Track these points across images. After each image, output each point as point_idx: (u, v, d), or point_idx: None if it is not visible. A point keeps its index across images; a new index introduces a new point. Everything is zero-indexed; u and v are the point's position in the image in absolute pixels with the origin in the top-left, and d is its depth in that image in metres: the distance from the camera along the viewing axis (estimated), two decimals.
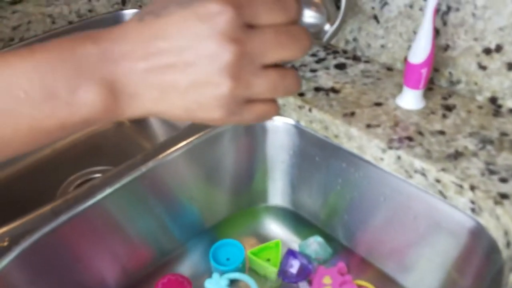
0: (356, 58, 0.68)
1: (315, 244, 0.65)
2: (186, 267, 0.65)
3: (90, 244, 0.57)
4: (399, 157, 0.53)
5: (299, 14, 0.29)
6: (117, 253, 0.60)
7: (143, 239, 0.63)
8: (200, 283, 0.61)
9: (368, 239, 0.63)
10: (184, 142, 0.61)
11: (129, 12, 0.88)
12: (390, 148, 0.54)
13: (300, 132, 0.63)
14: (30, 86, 0.27)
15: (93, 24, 0.85)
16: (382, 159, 0.55)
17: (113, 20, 0.88)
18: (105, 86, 0.27)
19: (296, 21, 0.29)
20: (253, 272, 0.65)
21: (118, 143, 0.89)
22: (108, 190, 0.55)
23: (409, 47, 0.63)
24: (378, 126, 0.56)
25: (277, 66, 0.29)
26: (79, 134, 0.89)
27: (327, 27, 0.57)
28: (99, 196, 0.54)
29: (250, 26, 0.27)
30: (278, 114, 0.32)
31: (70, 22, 0.82)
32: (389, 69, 0.66)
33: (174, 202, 0.64)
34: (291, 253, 0.64)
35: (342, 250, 0.66)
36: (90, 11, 0.84)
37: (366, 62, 0.67)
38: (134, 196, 0.59)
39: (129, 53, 0.27)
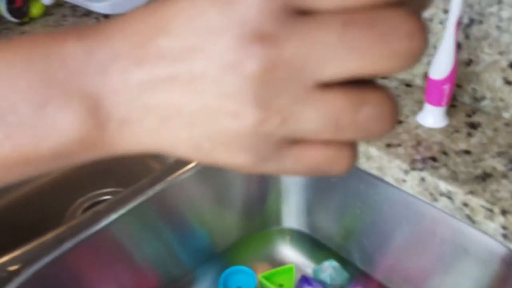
0: None
1: (330, 269, 0.62)
2: None
3: (96, 271, 0.54)
4: (423, 179, 0.50)
5: None
6: (124, 280, 0.58)
7: (150, 266, 0.60)
8: None
9: (388, 264, 0.60)
10: (194, 163, 0.59)
11: None
12: (413, 169, 0.50)
13: None
14: None
15: None
16: (404, 180, 0.52)
17: None
18: (85, 104, 0.18)
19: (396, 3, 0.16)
20: None
21: (128, 163, 0.86)
22: (113, 216, 0.52)
23: (428, 62, 0.60)
24: (399, 145, 0.53)
25: (348, 84, 0.16)
26: None
27: None
28: (104, 222, 0.52)
29: (300, 13, 0.16)
30: (354, 165, 0.18)
31: None
32: (408, 85, 0.63)
33: (183, 225, 0.62)
34: (305, 280, 0.61)
35: (359, 274, 0.63)
36: None
37: (383, 77, 0.64)
38: (141, 221, 0.56)
39: (123, 52, 0.18)
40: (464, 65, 0.56)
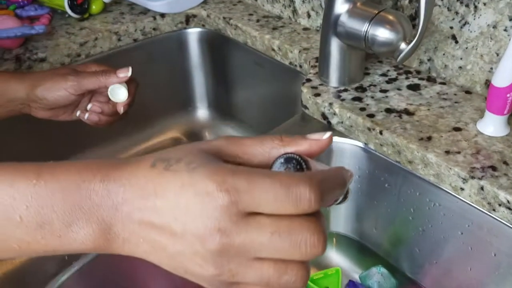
0: (430, 80, 0.64)
1: (378, 275, 0.61)
2: None
3: (148, 265, 0.55)
4: (482, 188, 0.49)
5: (317, 205, 0.25)
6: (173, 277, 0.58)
7: None
8: None
9: (438, 273, 0.58)
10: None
11: (192, 31, 0.89)
12: (472, 177, 0.49)
13: (369, 155, 0.59)
14: (27, 212, 0.27)
15: (157, 42, 0.86)
16: (462, 189, 0.50)
17: (177, 39, 0.88)
18: (100, 227, 0.27)
19: (313, 213, 0.25)
20: None
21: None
22: None
23: (490, 70, 0.58)
24: (458, 153, 0.52)
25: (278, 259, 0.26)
26: (137, 150, 0.89)
27: (402, 46, 0.54)
28: None
29: (249, 214, 0.25)
30: None
31: (135, 40, 0.83)
32: (468, 92, 0.61)
33: None
34: (352, 285, 0.60)
35: (407, 282, 0.62)
36: (154, 29, 0.84)
37: (442, 83, 0.63)
38: None
39: (130, 200, 0.27)
40: None
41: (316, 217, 0.25)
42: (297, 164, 0.27)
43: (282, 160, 0.27)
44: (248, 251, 0.25)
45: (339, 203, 0.29)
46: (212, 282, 0.26)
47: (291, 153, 0.28)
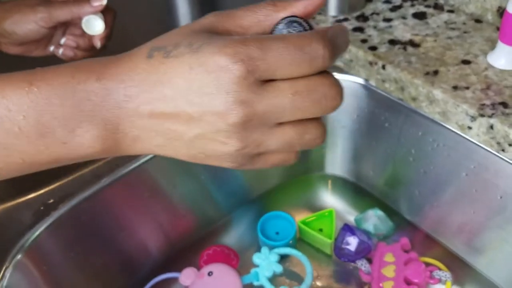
0: (438, 7, 0.58)
1: (374, 218, 0.58)
2: (231, 239, 0.61)
3: (132, 210, 0.53)
4: (491, 126, 0.45)
5: (331, 61, 0.24)
6: (160, 220, 0.56)
7: (187, 207, 0.59)
8: (246, 256, 0.56)
9: (438, 215, 0.56)
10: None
11: None
12: (482, 115, 0.45)
13: (369, 93, 0.55)
14: (25, 122, 0.25)
15: None
16: (470, 127, 0.46)
17: None
18: (106, 128, 0.26)
19: (326, 70, 0.25)
20: (304, 244, 0.60)
21: None
22: (150, 154, 0.49)
23: None
24: (466, 88, 0.47)
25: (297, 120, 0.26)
26: None
27: None
28: (143, 160, 0.49)
29: (265, 82, 0.24)
30: (297, 159, 0.28)
31: None
32: (478, 21, 0.56)
33: (221, 167, 0.59)
34: (347, 228, 0.57)
35: (405, 225, 0.60)
36: None
37: (450, 11, 0.57)
38: (177, 162, 0.53)
39: (134, 96, 0.25)
40: None
41: (328, 73, 0.25)
42: (300, 25, 0.26)
43: (283, 24, 0.26)
44: (270, 117, 0.25)
45: None
46: (236, 158, 0.26)
47: (289, 16, 0.26)
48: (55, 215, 0.45)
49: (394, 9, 0.58)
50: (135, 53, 0.26)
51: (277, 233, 0.59)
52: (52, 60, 0.58)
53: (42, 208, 0.45)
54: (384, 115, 0.55)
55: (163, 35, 0.27)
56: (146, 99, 0.25)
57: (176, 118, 0.25)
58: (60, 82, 0.26)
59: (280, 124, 0.25)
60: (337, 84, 0.25)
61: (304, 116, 0.25)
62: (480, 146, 0.47)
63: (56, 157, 0.26)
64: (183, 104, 0.24)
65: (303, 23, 0.26)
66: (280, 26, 0.26)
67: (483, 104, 0.46)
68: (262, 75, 0.24)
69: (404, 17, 0.57)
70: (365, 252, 0.56)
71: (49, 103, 0.25)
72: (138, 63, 0.25)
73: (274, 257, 0.55)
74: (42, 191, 0.46)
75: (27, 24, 0.53)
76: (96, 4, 0.53)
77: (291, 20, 0.26)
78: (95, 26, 0.54)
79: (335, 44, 0.25)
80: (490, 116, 0.45)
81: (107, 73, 0.25)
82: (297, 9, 0.27)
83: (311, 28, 0.26)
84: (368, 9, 0.58)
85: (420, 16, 0.57)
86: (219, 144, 0.25)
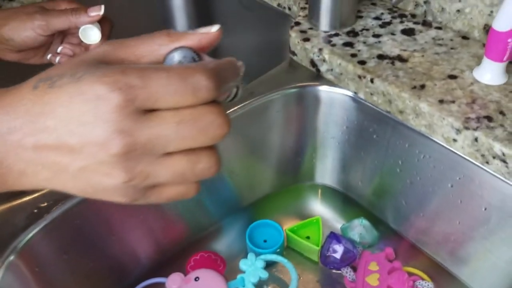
0: (426, 24, 0.60)
1: (359, 227, 0.60)
2: (220, 246, 0.61)
3: (124, 215, 0.53)
4: (476, 139, 0.46)
5: (215, 93, 0.24)
6: (151, 226, 0.56)
7: (178, 213, 0.59)
8: (234, 263, 0.57)
9: (423, 225, 0.57)
10: (227, 111, 0.56)
11: None
12: (466, 128, 0.46)
13: (358, 105, 0.56)
14: None
15: None
16: (455, 140, 0.48)
17: None
18: None
19: (212, 100, 0.25)
20: (291, 251, 0.61)
21: None
22: None
23: (490, 13, 0.55)
24: (452, 102, 0.49)
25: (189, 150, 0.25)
26: None
27: None
28: None
29: (148, 111, 0.24)
30: (198, 192, 0.27)
31: None
32: (465, 37, 0.57)
33: (213, 176, 0.60)
34: (333, 236, 0.58)
35: (390, 234, 0.61)
36: None
37: (438, 28, 0.59)
38: None
39: (18, 127, 0.24)
40: None
41: (215, 103, 0.25)
42: (190, 57, 0.26)
43: (173, 54, 0.26)
44: (155, 147, 0.24)
45: (231, 99, 0.29)
46: (126, 191, 0.25)
47: (181, 47, 0.27)
48: (48, 218, 0.45)
49: (384, 25, 0.60)
50: (23, 85, 0.25)
51: (265, 241, 0.60)
52: (48, 67, 0.59)
53: (35, 211, 0.46)
54: (372, 127, 0.56)
55: (54, 66, 0.26)
56: (30, 131, 0.24)
57: (59, 149, 0.24)
58: None
59: (169, 154, 0.25)
60: (223, 113, 0.25)
61: (192, 145, 0.25)
62: (465, 158, 0.49)
63: None
64: (64, 134, 0.24)
65: (194, 54, 0.26)
66: (170, 56, 0.26)
67: (468, 118, 0.47)
68: (143, 104, 0.23)
69: (393, 33, 0.59)
70: (350, 260, 0.57)
71: None
72: (24, 94, 0.25)
73: (260, 263, 0.55)
74: (36, 194, 0.47)
75: (25, 31, 0.54)
76: (93, 14, 0.54)
77: (182, 51, 0.26)
78: (92, 35, 0.55)
79: (220, 75, 0.25)
80: (475, 129, 0.46)
81: None
82: (191, 41, 0.27)
83: (200, 60, 0.27)
84: (358, 25, 0.60)
85: (408, 32, 0.59)
86: (103, 176, 0.24)
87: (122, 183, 0.24)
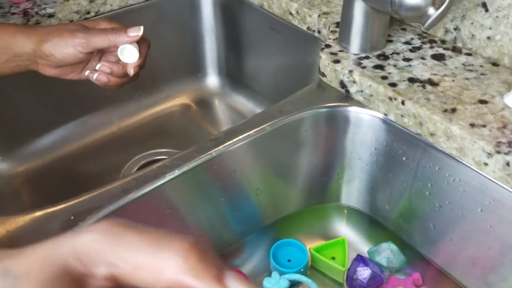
0: (456, 50, 0.61)
1: (387, 251, 0.59)
2: (242, 263, 0.61)
3: (152, 226, 0.54)
4: (507, 163, 0.46)
5: None
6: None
7: (201, 228, 0.60)
8: (257, 282, 0.57)
9: (452, 250, 0.57)
10: (255, 129, 0.57)
11: None
12: (498, 152, 0.47)
13: (388, 127, 0.57)
14: None
15: (169, 1, 0.82)
16: (486, 164, 0.48)
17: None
18: None
19: None
20: (316, 272, 0.60)
21: (183, 126, 0.86)
22: (168, 176, 0.51)
23: None
24: (483, 126, 0.49)
25: None
26: (145, 115, 0.87)
27: (431, 11, 0.51)
28: (159, 182, 0.50)
29: None
30: None
31: None
32: (495, 64, 0.58)
33: (238, 192, 0.60)
34: (360, 259, 0.58)
35: (417, 259, 0.60)
36: None
37: (468, 54, 0.60)
38: (199, 182, 0.55)
39: None
40: None
41: None
42: None
43: None
44: None
45: None
46: None
47: None
48: (82, 226, 0.46)
49: (414, 50, 0.61)
50: None
51: (289, 260, 0.60)
52: (86, 84, 0.61)
53: (72, 217, 0.47)
54: (401, 149, 0.56)
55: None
56: None
57: None
58: None
59: None
60: None
61: None
62: (496, 183, 0.48)
63: None
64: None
65: None
66: None
67: (500, 142, 0.47)
68: None
69: (423, 58, 0.59)
70: (377, 284, 0.57)
71: None
72: None
73: (284, 282, 0.55)
74: (71, 203, 0.48)
75: (66, 48, 0.56)
76: (132, 34, 0.56)
77: None
78: (130, 54, 0.57)
79: None
80: (507, 154, 0.46)
81: None
82: None
83: None
84: (388, 49, 0.61)
85: (438, 57, 0.60)
86: None
87: None
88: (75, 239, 0.23)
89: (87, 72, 0.59)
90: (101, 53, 0.60)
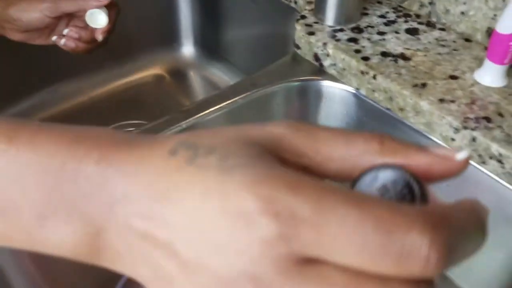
0: (430, 25, 0.60)
1: None
2: None
3: None
4: (474, 139, 0.47)
5: (438, 267, 0.14)
6: None
7: None
8: None
9: None
10: (227, 101, 0.56)
11: None
12: (465, 128, 0.47)
13: (359, 101, 0.56)
14: None
15: None
16: (453, 139, 0.48)
17: None
18: (85, 229, 0.18)
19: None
20: None
21: (157, 98, 0.85)
22: None
23: (494, 17, 0.55)
24: (452, 101, 0.49)
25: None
26: (117, 84, 0.85)
27: None
28: None
29: (307, 261, 0.15)
30: None
31: None
32: (468, 40, 0.58)
33: None
34: None
35: None
36: None
37: (442, 29, 0.60)
38: None
39: (133, 198, 0.18)
40: None
41: (426, 283, 0.15)
42: (403, 184, 0.16)
43: (377, 174, 0.17)
44: None
45: None
46: None
47: (395, 166, 0.17)
48: None
49: (388, 23, 0.61)
50: (160, 141, 0.19)
51: None
52: (56, 51, 0.59)
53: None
54: (371, 124, 0.56)
55: (211, 129, 0.19)
56: (142, 209, 0.18)
57: (168, 253, 0.17)
58: (48, 151, 0.19)
59: None
60: None
61: None
62: None
63: (14, 243, 0.20)
64: (180, 240, 0.17)
65: (411, 181, 0.16)
66: (371, 175, 0.17)
67: (467, 118, 0.48)
68: (302, 250, 0.15)
69: (397, 32, 0.59)
70: None
71: (25, 173, 0.19)
72: (155, 157, 0.18)
73: None
74: None
75: (33, 12, 0.54)
76: None
77: (394, 172, 0.16)
78: (99, 19, 0.56)
79: (454, 238, 0.15)
80: (473, 129, 0.47)
81: (113, 158, 0.18)
82: (415, 162, 0.17)
83: (424, 198, 0.16)
84: (363, 22, 0.61)
85: (412, 32, 0.59)
86: None
87: None
88: (261, 128, 0.19)
89: (54, 37, 0.58)
90: (69, 17, 0.58)
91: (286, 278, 0.15)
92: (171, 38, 0.90)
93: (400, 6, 0.64)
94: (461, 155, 0.18)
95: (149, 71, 0.88)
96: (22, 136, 0.19)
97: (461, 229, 0.16)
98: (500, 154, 0.45)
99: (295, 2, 0.68)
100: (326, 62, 0.58)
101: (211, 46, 0.89)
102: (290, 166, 0.18)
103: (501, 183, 0.47)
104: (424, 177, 0.17)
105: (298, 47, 0.61)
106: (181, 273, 0.17)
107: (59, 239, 0.19)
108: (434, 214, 0.15)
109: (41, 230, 0.19)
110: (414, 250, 0.14)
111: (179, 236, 0.17)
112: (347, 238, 0.14)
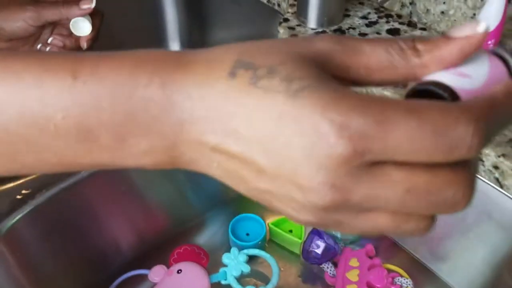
0: (411, 25, 0.61)
1: None
2: (203, 239, 0.62)
3: (108, 204, 0.54)
4: None
5: (477, 151, 0.18)
6: (134, 217, 0.57)
7: (162, 206, 0.60)
8: (217, 257, 0.58)
9: None
10: None
11: None
12: None
13: None
14: (64, 122, 0.20)
15: None
16: None
17: None
18: (162, 143, 0.21)
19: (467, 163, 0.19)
20: (274, 244, 0.62)
21: None
22: None
23: (473, 16, 0.56)
24: None
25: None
26: None
27: None
28: None
29: (374, 164, 0.18)
30: (429, 231, 0.21)
31: None
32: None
33: None
34: (316, 232, 0.59)
35: None
36: None
37: (423, 29, 0.60)
38: None
39: (202, 120, 0.20)
40: (511, 21, 0.53)
41: (468, 165, 0.19)
42: (449, 96, 0.19)
43: (424, 89, 0.20)
44: (364, 205, 0.19)
45: None
46: (310, 223, 0.21)
47: (435, 82, 0.19)
48: (32, 204, 0.46)
49: (370, 24, 0.61)
50: (215, 62, 0.20)
51: (247, 234, 0.61)
52: None
53: (19, 196, 0.46)
54: None
55: (255, 43, 0.21)
56: (214, 130, 0.20)
57: (243, 163, 0.20)
58: (114, 81, 0.20)
59: (376, 209, 0.20)
60: (469, 185, 0.19)
61: (410, 212, 0.19)
62: None
63: (99, 163, 0.22)
64: (257, 153, 0.19)
65: (450, 93, 0.19)
66: (417, 88, 0.20)
67: None
68: (373, 158, 0.18)
69: (378, 33, 0.60)
70: (331, 256, 0.59)
71: (97, 106, 0.20)
72: (215, 80, 0.20)
73: (242, 257, 0.56)
74: (21, 181, 0.47)
75: (16, 21, 0.54)
76: (85, 6, 0.55)
77: (437, 88, 0.20)
78: (83, 27, 0.56)
79: (491, 125, 0.18)
80: None
81: (175, 81, 0.20)
82: (448, 52, 0.20)
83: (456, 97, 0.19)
84: (345, 24, 0.61)
85: (393, 32, 0.60)
86: (290, 209, 0.20)
87: (306, 222, 0.20)
88: (310, 44, 0.20)
89: (39, 46, 0.58)
90: (53, 26, 0.58)
91: (360, 180, 0.18)
92: (158, 41, 0.91)
93: (382, 7, 0.64)
94: (481, 28, 0.20)
95: None
96: (84, 71, 0.21)
97: (498, 114, 0.19)
98: (480, 152, 0.46)
99: (278, 5, 0.69)
100: None
101: (197, 47, 0.89)
102: (342, 81, 0.20)
103: (482, 180, 0.48)
104: (457, 61, 0.20)
105: None
106: (259, 178, 0.20)
107: (140, 153, 0.21)
108: (473, 109, 0.18)
109: (123, 149, 0.21)
110: (461, 141, 0.18)
111: (255, 149, 0.19)
112: (409, 142, 0.18)
